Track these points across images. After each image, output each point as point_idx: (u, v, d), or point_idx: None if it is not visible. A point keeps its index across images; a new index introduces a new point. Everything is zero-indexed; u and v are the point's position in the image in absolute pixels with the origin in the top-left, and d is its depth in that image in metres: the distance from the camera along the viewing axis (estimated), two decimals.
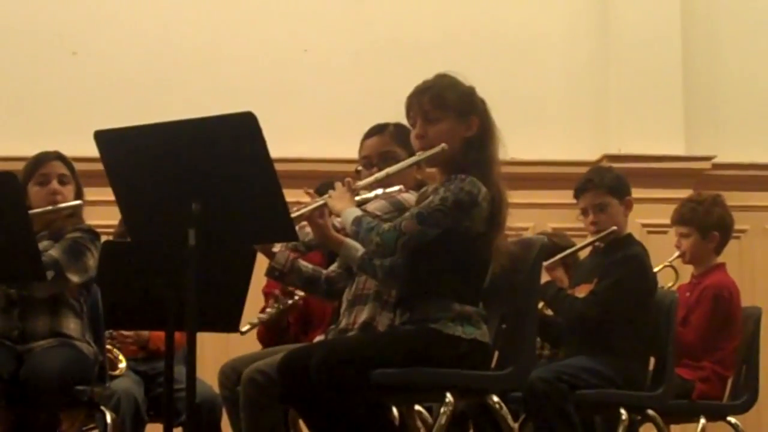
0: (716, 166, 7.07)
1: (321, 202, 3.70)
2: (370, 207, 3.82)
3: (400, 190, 3.83)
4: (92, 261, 4.33)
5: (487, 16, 7.19)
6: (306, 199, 3.85)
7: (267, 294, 5.09)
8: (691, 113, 7.15)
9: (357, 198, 3.70)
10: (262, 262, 4.01)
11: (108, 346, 4.86)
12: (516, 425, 4.12)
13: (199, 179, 3.26)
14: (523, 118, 6.81)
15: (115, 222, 4.78)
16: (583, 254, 5.04)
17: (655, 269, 4.97)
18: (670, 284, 5.49)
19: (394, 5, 7.20)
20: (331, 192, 3.68)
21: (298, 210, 3.65)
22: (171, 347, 3.78)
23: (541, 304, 4.61)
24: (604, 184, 4.76)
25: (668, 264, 5.47)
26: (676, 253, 5.30)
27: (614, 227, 4.71)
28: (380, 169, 3.82)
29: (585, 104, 7.21)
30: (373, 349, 3.53)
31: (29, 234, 3.90)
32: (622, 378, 4.51)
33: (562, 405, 4.33)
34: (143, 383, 5.07)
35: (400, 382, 3.51)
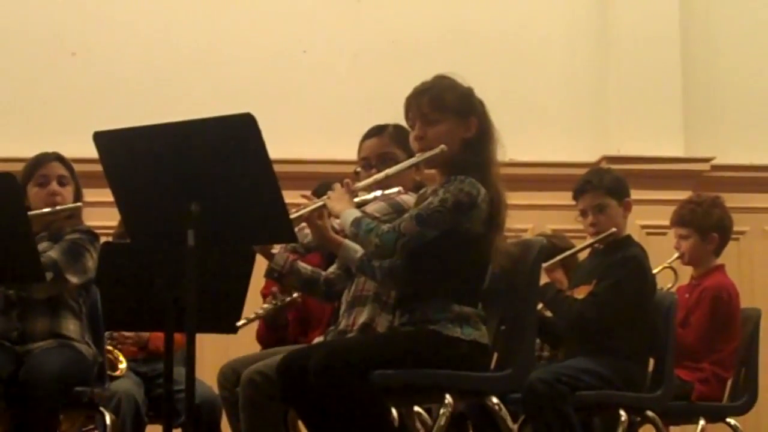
0: (715, 168, 7.07)
1: (320, 204, 3.70)
2: (368, 209, 3.82)
3: (399, 192, 3.83)
4: (91, 262, 4.33)
5: (485, 18, 7.20)
6: (304, 202, 3.85)
7: (266, 296, 5.09)
8: (691, 115, 7.16)
9: (356, 199, 3.70)
10: (261, 264, 4.01)
11: (108, 347, 4.87)
12: (515, 426, 4.13)
13: (198, 180, 3.26)
14: (522, 119, 6.81)
15: (115, 223, 4.78)
16: (582, 256, 5.04)
17: (655, 270, 4.97)
18: (669, 285, 5.49)
19: (393, 6, 7.20)
20: (330, 193, 3.68)
21: (297, 211, 3.65)
22: (170, 348, 3.77)
23: (540, 306, 4.61)
24: (603, 185, 4.76)
25: (667, 265, 5.46)
26: (676, 255, 5.30)
27: (614, 229, 4.71)
28: (379, 171, 3.83)
29: (584, 106, 7.21)
30: (372, 351, 3.53)
31: (28, 235, 3.90)
32: (621, 379, 4.51)
33: (561, 406, 4.33)
34: (143, 384, 5.07)
35: (400, 383, 3.51)
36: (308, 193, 4.49)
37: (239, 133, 3.21)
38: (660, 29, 7.14)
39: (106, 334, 4.79)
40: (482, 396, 3.70)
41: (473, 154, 3.62)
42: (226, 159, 3.25)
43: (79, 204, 4.48)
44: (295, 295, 4.86)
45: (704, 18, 7.31)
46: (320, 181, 5.07)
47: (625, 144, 7.05)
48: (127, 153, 3.36)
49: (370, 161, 4.12)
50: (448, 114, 3.63)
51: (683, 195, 5.87)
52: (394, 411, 3.98)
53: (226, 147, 3.23)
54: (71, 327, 4.35)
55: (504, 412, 3.70)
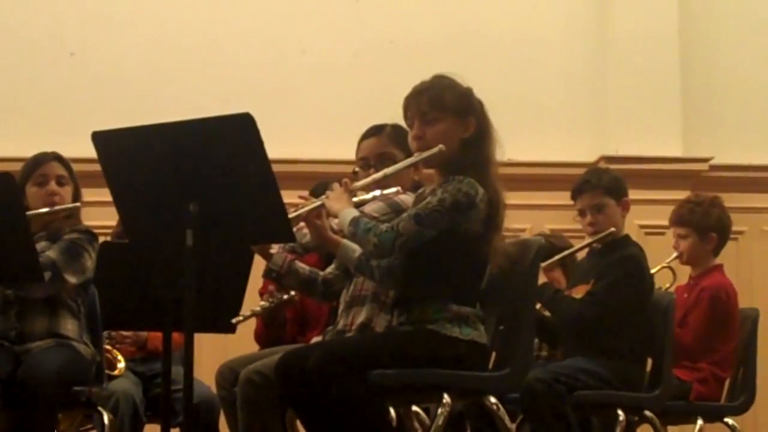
0: (714, 168, 7.07)
1: (318, 203, 3.70)
2: (367, 208, 3.82)
3: (397, 192, 3.83)
4: (90, 262, 4.33)
5: (484, 17, 7.20)
6: (302, 202, 3.85)
7: (264, 295, 5.09)
8: (689, 115, 7.16)
9: (354, 199, 3.70)
10: (259, 263, 4.01)
11: (107, 347, 4.87)
12: (513, 426, 4.12)
13: (196, 180, 3.27)
14: (520, 119, 6.81)
15: (113, 223, 4.78)
16: (581, 255, 5.05)
17: (653, 270, 4.97)
18: (667, 285, 5.49)
19: (391, 6, 7.20)
20: (328, 193, 3.68)
21: (295, 211, 3.65)
22: (168, 348, 3.78)
23: (538, 306, 4.61)
24: (602, 184, 4.77)
25: (666, 265, 5.46)
26: (674, 254, 5.30)
27: (612, 228, 4.72)
28: (378, 171, 3.83)
29: (582, 106, 7.21)
30: (370, 350, 3.53)
31: (27, 235, 3.90)
32: (619, 379, 4.51)
33: (559, 406, 4.33)
34: (141, 384, 5.07)
35: (398, 382, 3.51)
36: (306, 193, 4.49)
37: (238, 133, 3.21)
38: (658, 29, 7.14)
39: (105, 333, 4.79)
40: (480, 396, 3.70)
41: (472, 154, 3.62)
42: (225, 159, 3.25)
43: (77, 204, 4.48)
44: (292, 293, 4.86)
45: (703, 18, 7.31)
46: (318, 181, 5.07)
47: (623, 144, 7.05)
48: (125, 153, 3.36)
49: (368, 161, 4.12)
50: (446, 114, 3.63)
51: (682, 195, 5.88)
52: (392, 411, 3.99)
53: (225, 147, 3.24)
54: (69, 327, 4.35)
55: (502, 411, 3.70)
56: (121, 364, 5.01)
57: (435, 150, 3.58)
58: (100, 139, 3.36)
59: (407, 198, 3.89)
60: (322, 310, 4.89)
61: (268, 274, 4.10)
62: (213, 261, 3.55)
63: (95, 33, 6.98)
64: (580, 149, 7.07)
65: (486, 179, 3.58)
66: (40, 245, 4.27)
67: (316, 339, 4.27)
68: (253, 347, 5.01)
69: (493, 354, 3.91)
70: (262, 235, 3.51)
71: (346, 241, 3.75)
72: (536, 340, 4.90)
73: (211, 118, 3.26)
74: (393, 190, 3.81)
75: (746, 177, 7.14)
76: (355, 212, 3.61)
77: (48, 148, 4.60)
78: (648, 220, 6.58)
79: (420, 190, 3.80)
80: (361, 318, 3.95)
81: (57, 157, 4.52)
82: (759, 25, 7.39)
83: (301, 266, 4.10)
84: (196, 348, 3.32)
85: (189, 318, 3.25)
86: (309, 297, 4.55)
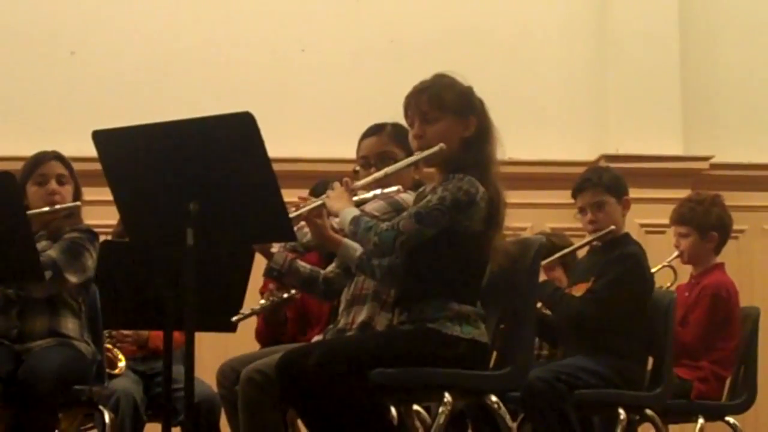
0: (714, 166, 7.07)
1: (319, 203, 3.70)
2: (367, 207, 3.82)
3: (398, 191, 3.83)
4: (90, 261, 4.33)
5: (484, 17, 7.20)
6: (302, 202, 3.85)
7: (264, 294, 5.09)
8: (689, 113, 7.16)
9: (355, 198, 3.70)
10: (260, 262, 4.01)
11: (107, 345, 4.87)
12: (514, 425, 4.12)
13: (197, 179, 3.26)
14: (521, 118, 6.81)
15: (114, 222, 4.78)
16: (581, 253, 5.05)
17: (654, 269, 4.97)
18: (668, 284, 5.50)
19: (391, 5, 7.20)
20: (329, 192, 3.68)
21: (296, 210, 3.65)
22: (169, 346, 3.78)
23: (539, 304, 4.61)
24: (602, 183, 4.77)
25: (667, 264, 5.47)
26: (675, 253, 5.30)
27: (612, 226, 4.72)
28: (378, 170, 3.82)
29: (583, 104, 7.22)
30: (371, 349, 3.53)
31: (27, 234, 3.90)
32: (620, 378, 4.51)
33: (560, 405, 4.33)
34: (142, 383, 5.07)
35: (399, 381, 3.51)
36: (305, 193, 4.49)
37: (238, 132, 3.21)
38: (659, 28, 7.15)
39: (105, 332, 4.79)
40: (481, 394, 3.70)
41: (472, 152, 3.62)
42: (225, 158, 3.25)
43: (78, 203, 4.48)
44: (293, 292, 4.86)
45: (703, 16, 7.31)
46: (319, 180, 5.07)
47: (624, 142, 7.05)
48: (126, 152, 3.36)
49: (369, 160, 4.11)
50: (447, 112, 3.63)
51: (682, 194, 5.88)
52: (393, 409, 3.99)
53: (225, 146, 3.23)
54: (70, 326, 4.35)
55: (503, 410, 3.70)
56: (122, 363, 5.01)
57: (435, 149, 3.58)
58: (100, 138, 3.36)
59: (408, 197, 3.89)
60: (323, 309, 4.89)
61: (268, 273, 4.09)
62: (214, 260, 3.55)
63: (95, 32, 6.99)
64: (581, 148, 7.07)
65: (486, 178, 3.58)
66: (41, 244, 4.28)
67: (316, 338, 4.26)
68: (254, 346, 5.01)
69: (494, 353, 3.91)
70: (263, 234, 3.51)
71: (347, 240, 3.75)
72: (537, 339, 4.90)
73: (211, 117, 3.26)
74: (393, 188, 3.80)
75: (747, 175, 7.14)
76: (355, 211, 3.61)
77: (48, 147, 4.60)
78: (649, 219, 6.58)
79: (420, 189, 3.80)
80: (362, 317, 3.95)
81: (57, 156, 4.52)
82: (759, 25, 7.39)
83: (302, 265, 4.10)
84: (197, 347, 3.32)
85: (190, 317, 3.25)
86: (310, 296, 4.55)
